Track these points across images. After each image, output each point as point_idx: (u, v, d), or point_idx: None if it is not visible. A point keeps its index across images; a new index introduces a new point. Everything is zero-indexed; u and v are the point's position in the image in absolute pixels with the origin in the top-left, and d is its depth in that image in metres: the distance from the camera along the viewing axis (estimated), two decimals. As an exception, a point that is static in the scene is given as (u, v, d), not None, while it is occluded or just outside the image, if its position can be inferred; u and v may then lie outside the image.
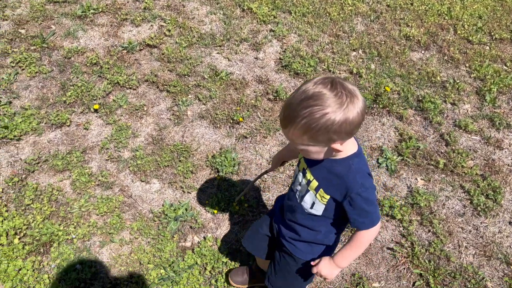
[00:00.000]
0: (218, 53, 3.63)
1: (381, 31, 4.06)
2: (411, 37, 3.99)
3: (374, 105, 3.32)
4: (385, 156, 2.97)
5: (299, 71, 3.49)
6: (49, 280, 2.20)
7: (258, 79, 3.44)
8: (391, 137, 3.14)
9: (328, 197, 1.45)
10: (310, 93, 1.21)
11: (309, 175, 1.49)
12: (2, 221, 2.38)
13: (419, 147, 3.05)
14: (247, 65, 3.55)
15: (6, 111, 3.00)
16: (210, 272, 2.36)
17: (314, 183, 1.47)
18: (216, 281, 2.33)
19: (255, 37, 3.82)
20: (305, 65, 3.54)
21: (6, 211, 2.45)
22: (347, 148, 1.37)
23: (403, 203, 2.74)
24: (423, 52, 3.90)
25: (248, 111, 3.17)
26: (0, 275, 2.20)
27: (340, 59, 3.66)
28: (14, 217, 2.41)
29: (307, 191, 1.51)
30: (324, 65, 3.60)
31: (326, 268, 1.53)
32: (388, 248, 2.54)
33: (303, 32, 3.90)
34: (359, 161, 1.40)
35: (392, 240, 2.58)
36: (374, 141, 3.10)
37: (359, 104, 1.23)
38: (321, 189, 1.45)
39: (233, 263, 2.40)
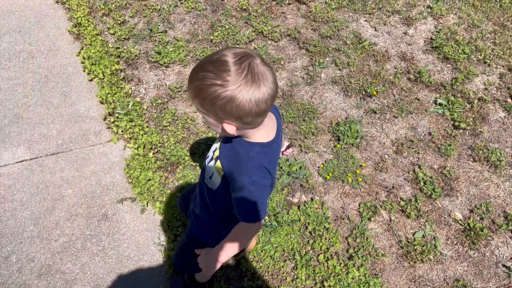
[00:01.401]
0: (366, 20, 3.49)
1: (559, 29, 3.50)
2: None
3: (529, 111, 2.95)
4: (526, 169, 2.65)
5: (449, 56, 3.21)
6: (171, 196, 2.46)
7: (401, 56, 3.26)
8: (540, 150, 2.78)
9: (223, 172, 1.33)
10: (215, 57, 1.10)
11: (218, 145, 1.39)
12: (143, 135, 2.69)
13: None
14: (394, 39, 3.37)
15: (161, 38, 3.29)
16: (310, 232, 2.41)
17: (216, 153, 1.36)
18: (314, 242, 2.37)
19: (409, 11, 3.57)
20: (458, 50, 3.24)
21: (147, 127, 2.76)
22: (253, 134, 1.25)
23: (535, 224, 2.45)
24: None
25: (383, 86, 3.04)
26: (132, 180, 2.51)
27: (501, 52, 3.27)
28: (153, 134, 2.71)
29: (211, 159, 1.40)
30: (480, 55, 3.25)
31: (203, 260, 1.45)
32: (504, 266, 2.32)
33: (465, 14, 3.54)
34: (260, 151, 1.26)
35: (511, 258, 2.35)
36: (517, 150, 2.77)
37: (257, 93, 1.08)
38: (219, 160, 1.33)
39: (334, 230, 2.41)
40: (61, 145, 2.63)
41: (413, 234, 2.43)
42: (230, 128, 1.18)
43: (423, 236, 2.41)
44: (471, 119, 2.88)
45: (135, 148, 2.64)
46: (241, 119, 1.14)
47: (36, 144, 2.61)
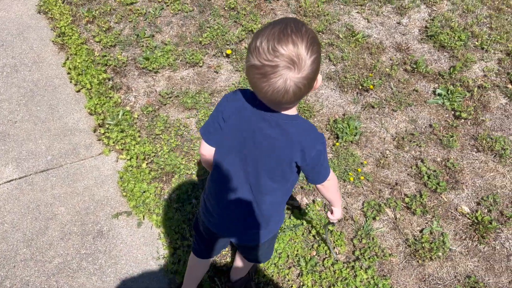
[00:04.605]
0: (357, 12, 3.40)
1: (556, 9, 3.42)
2: None
3: (530, 96, 2.87)
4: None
5: (445, 44, 3.13)
6: (168, 207, 2.37)
7: (397, 46, 3.17)
8: (544, 136, 2.70)
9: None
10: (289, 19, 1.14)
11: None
12: (135, 145, 2.60)
13: None
14: (388, 30, 3.28)
15: (149, 43, 3.19)
16: (314, 236, 2.33)
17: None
18: (318, 246, 2.29)
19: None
20: (454, 38, 3.15)
21: (139, 136, 2.66)
22: None
23: (544, 213, 2.38)
24: None
25: (380, 79, 2.96)
26: (127, 193, 2.42)
27: (498, 37, 3.19)
28: (145, 143, 2.62)
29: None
30: (477, 41, 3.17)
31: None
32: (516, 259, 2.25)
33: (459, 0, 3.46)
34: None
35: (522, 251, 2.28)
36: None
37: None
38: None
39: (338, 232, 2.33)
40: (51, 161, 2.53)
41: (420, 231, 2.35)
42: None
43: (431, 233, 2.34)
44: (472, 108, 2.80)
45: (127, 160, 2.55)
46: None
47: (25, 162, 2.51)
